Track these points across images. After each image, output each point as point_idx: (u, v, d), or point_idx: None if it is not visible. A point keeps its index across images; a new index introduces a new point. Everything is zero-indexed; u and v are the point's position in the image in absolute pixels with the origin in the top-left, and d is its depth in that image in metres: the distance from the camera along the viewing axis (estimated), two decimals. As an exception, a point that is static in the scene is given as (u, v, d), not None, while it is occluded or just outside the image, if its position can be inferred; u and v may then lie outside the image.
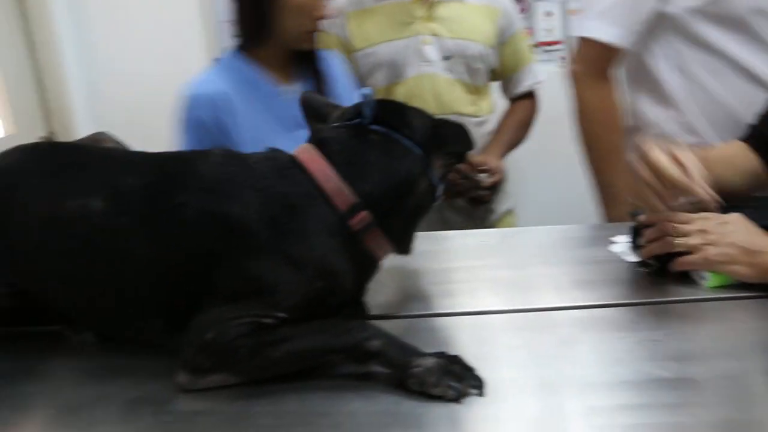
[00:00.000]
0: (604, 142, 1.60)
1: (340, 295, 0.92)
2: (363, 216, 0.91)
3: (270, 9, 1.51)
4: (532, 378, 0.86)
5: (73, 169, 0.97)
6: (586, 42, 1.57)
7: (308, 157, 0.94)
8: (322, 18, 1.56)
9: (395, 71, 1.84)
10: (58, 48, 2.73)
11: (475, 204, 1.81)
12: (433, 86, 1.83)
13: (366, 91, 0.98)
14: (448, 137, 1.00)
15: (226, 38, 2.82)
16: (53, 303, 0.99)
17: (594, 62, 1.58)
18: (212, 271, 0.88)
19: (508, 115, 2.02)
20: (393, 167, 0.94)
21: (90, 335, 1.01)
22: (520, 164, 2.53)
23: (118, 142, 1.19)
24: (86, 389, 0.90)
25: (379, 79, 1.86)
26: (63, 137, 2.65)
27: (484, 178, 1.77)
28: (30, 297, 0.99)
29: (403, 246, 0.99)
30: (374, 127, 0.96)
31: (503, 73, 1.97)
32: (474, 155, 1.79)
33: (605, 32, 1.52)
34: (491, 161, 1.82)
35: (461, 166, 1.63)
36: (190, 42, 2.85)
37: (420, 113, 1.01)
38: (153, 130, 2.61)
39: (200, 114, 1.51)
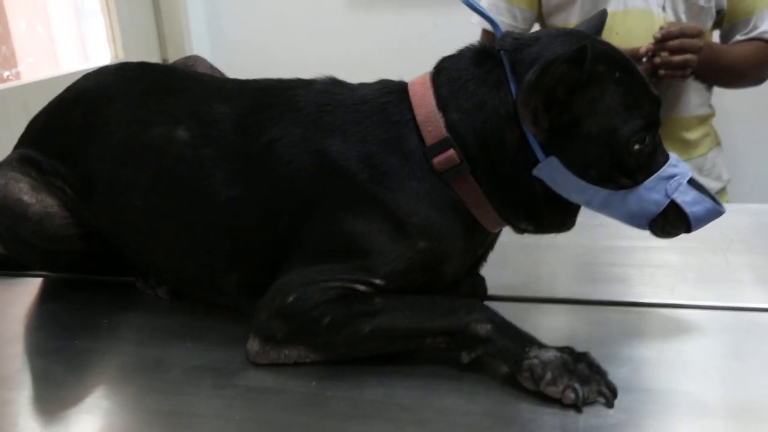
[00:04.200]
0: None
1: (447, 263, 0.90)
2: (450, 155, 0.87)
3: None
4: (688, 396, 0.79)
5: (159, 94, 1.02)
6: None
7: (415, 81, 0.92)
8: None
9: (593, 4, 1.76)
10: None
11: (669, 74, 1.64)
12: (643, 27, 1.71)
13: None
14: (546, 72, 0.81)
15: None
16: (126, 246, 1.05)
17: None
18: (302, 220, 0.89)
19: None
20: (480, 99, 0.87)
21: (164, 291, 1.06)
22: (733, 132, 2.37)
23: (212, 68, 1.22)
24: (148, 351, 0.94)
25: (571, 14, 1.79)
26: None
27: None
28: (103, 241, 1.06)
29: (508, 214, 0.91)
30: (503, 51, 0.89)
31: (733, 15, 1.81)
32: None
33: None
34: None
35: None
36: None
37: (573, 37, 0.89)
38: (274, 60, 2.71)
39: None
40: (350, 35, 2.91)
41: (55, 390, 0.87)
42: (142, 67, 1.10)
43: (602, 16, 0.97)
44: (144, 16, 2.82)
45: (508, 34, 0.91)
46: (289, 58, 2.88)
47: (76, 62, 2.83)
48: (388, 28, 2.90)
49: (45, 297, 1.12)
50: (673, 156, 0.88)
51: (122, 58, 2.62)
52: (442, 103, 0.88)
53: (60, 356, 0.93)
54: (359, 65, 2.76)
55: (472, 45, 0.94)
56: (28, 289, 1.14)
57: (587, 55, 0.79)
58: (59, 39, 2.76)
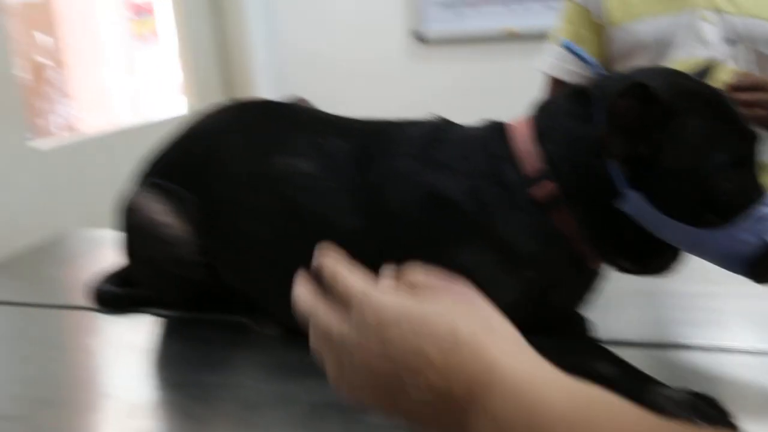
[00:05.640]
0: None
1: (554, 293, 0.94)
2: (546, 186, 0.91)
3: None
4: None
5: (280, 128, 1.08)
6: None
7: (516, 119, 0.98)
8: None
9: (659, 53, 1.76)
10: (244, 21, 3.00)
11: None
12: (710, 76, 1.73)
13: (565, 42, 0.97)
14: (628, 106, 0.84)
15: (428, 15, 2.92)
16: (240, 279, 1.10)
17: None
18: (416, 253, 0.91)
19: None
20: (571, 131, 0.91)
21: (275, 329, 1.10)
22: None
23: (314, 107, 1.27)
24: (269, 386, 0.98)
25: (638, 62, 1.82)
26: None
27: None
28: (216, 275, 1.10)
29: (601, 248, 0.93)
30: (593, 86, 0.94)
31: None
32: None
33: None
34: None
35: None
36: (386, 22, 2.98)
37: (657, 73, 0.92)
38: (339, 108, 2.77)
39: None
40: (411, 79, 2.97)
41: (192, 423, 0.92)
42: (262, 103, 1.17)
43: (709, 63, 1.01)
44: (213, 68, 2.92)
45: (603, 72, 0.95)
46: (352, 104, 2.96)
47: (129, 114, 2.96)
48: (449, 72, 2.94)
49: (163, 334, 1.17)
50: None
51: (198, 106, 2.72)
52: (539, 137, 0.93)
53: (190, 390, 0.98)
54: (419, 109, 2.84)
55: (575, 88, 0.98)
56: (143, 327, 1.19)
57: (645, 90, 0.82)
58: (114, 92, 2.88)
